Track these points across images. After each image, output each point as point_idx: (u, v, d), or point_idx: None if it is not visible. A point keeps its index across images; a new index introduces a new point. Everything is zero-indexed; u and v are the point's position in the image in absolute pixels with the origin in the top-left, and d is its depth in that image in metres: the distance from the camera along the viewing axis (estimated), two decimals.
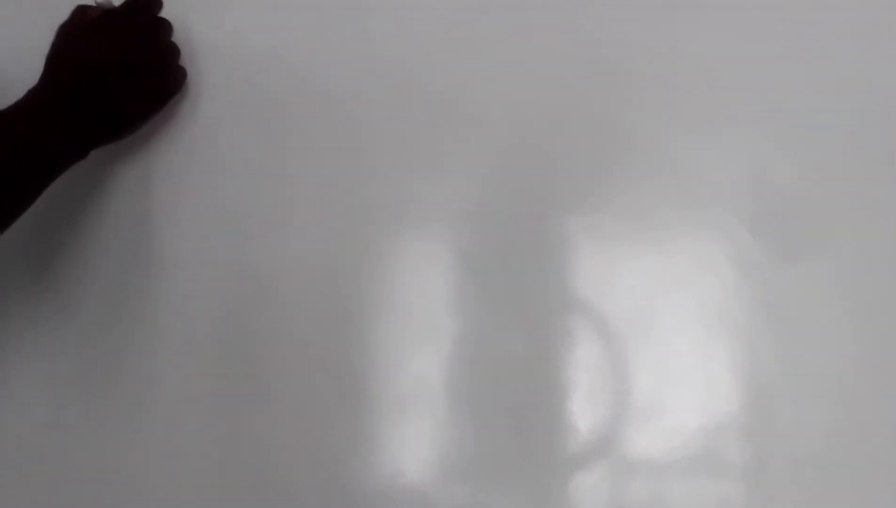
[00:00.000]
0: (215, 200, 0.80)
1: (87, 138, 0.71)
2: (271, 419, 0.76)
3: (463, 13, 0.78)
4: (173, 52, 0.77)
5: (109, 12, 0.74)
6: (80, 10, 0.75)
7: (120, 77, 0.72)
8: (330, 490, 0.74)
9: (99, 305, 0.80)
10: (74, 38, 0.72)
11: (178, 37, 0.78)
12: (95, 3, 0.76)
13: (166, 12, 0.79)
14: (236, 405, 0.77)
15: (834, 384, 0.68)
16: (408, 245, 0.76)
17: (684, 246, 0.72)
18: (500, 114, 0.76)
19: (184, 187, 0.81)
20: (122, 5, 0.76)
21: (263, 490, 0.75)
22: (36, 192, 0.69)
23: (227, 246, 0.79)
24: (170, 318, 0.79)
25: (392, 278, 0.75)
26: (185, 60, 0.79)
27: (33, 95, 0.70)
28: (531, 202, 0.74)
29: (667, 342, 0.70)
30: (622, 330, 0.71)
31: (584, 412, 0.71)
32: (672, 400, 0.70)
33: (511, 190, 0.75)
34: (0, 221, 0.66)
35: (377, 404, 0.74)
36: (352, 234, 0.77)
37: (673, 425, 0.69)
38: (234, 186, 0.79)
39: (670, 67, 0.74)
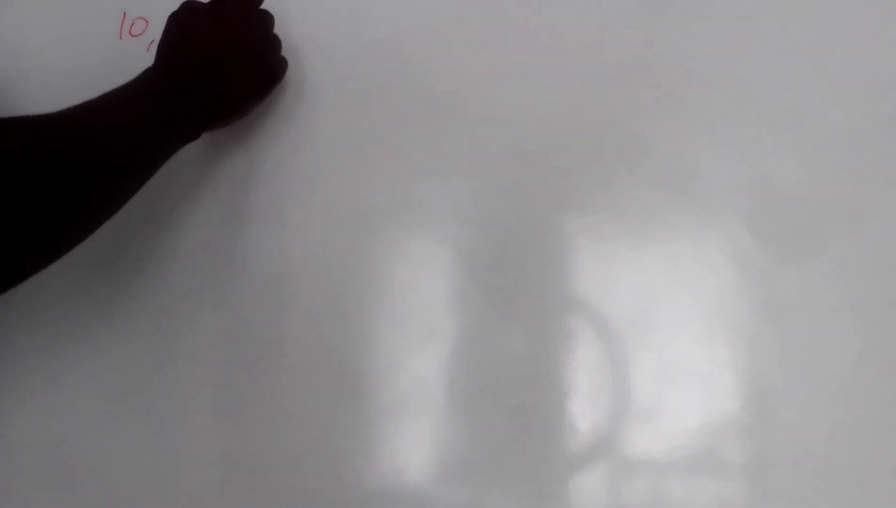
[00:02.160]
0: (213, 200, 0.80)
1: (200, 119, 0.74)
2: (271, 418, 0.76)
3: (463, 13, 0.78)
4: (276, 42, 0.79)
5: (220, 2, 0.76)
6: (190, 1, 0.76)
7: (233, 64, 0.75)
8: (330, 489, 0.74)
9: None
10: (188, 26, 0.74)
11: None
12: None
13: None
14: (237, 404, 0.77)
15: (834, 384, 0.68)
16: (408, 245, 0.76)
17: (685, 246, 0.72)
18: (500, 114, 0.76)
19: (182, 186, 0.81)
20: None
21: (263, 489, 0.75)
22: (154, 166, 0.71)
23: (225, 246, 0.79)
24: (173, 316, 0.79)
25: (392, 278, 0.75)
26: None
27: (150, 77, 0.72)
28: (531, 202, 0.74)
29: (667, 342, 0.70)
30: (622, 330, 0.71)
31: (584, 412, 0.70)
32: (672, 400, 0.70)
33: (511, 190, 0.75)
34: (120, 195, 0.69)
35: (377, 404, 0.74)
36: (352, 234, 0.77)
37: (673, 425, 0.69)
38: (232, 185, 0.80)
39: (670, 68, 0.74)
